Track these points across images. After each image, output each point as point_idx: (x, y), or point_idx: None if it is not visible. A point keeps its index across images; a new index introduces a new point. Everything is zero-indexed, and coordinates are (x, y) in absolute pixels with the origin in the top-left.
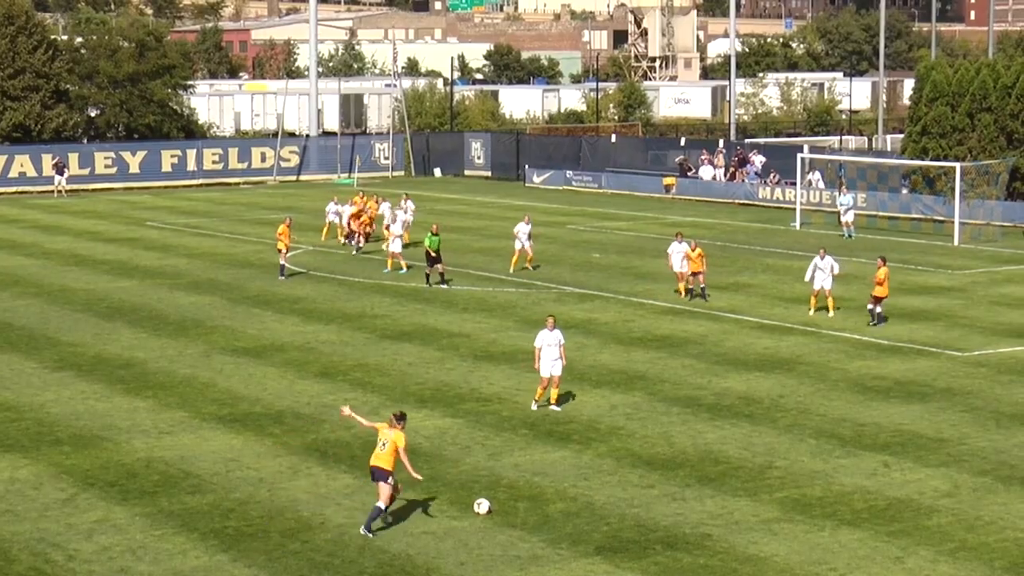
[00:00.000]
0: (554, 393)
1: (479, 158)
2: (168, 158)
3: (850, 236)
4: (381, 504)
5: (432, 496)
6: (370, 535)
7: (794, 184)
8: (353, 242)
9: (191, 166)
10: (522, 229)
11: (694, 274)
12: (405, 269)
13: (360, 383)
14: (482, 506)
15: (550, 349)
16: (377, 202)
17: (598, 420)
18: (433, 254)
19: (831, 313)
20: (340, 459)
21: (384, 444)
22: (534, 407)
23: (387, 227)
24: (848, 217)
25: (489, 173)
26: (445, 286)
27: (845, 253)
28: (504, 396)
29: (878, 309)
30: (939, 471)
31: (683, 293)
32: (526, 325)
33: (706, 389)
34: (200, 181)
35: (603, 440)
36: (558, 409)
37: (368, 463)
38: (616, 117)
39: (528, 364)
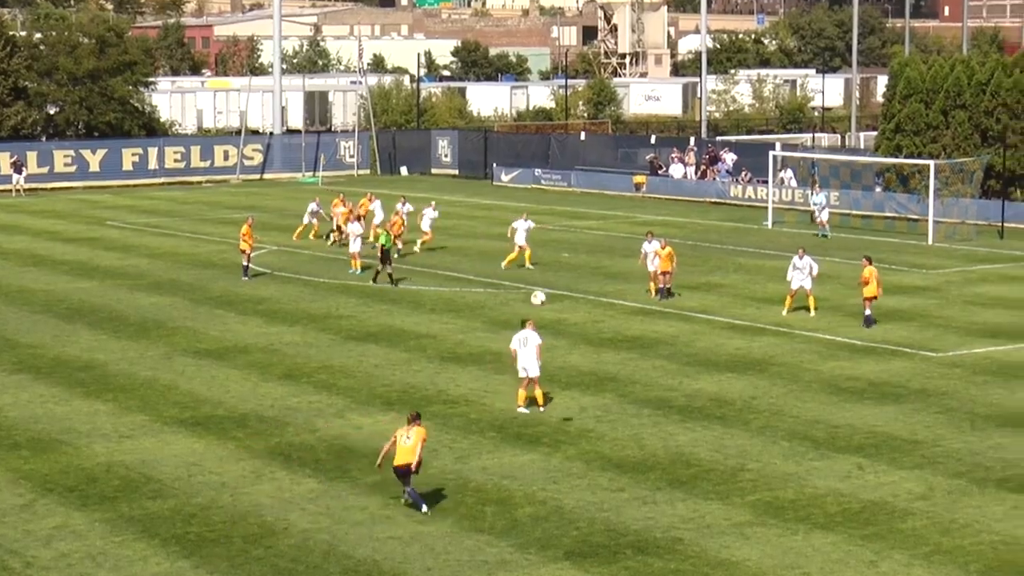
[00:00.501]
0: (538, 393)
1: (446, 156)
2: (129, 156)
3: (825, 235)
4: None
5: (398, 499)
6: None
7: (766, 182)
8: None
9: (152, 164)
10: (521, 226)
11: (663, 273)
12: (359, 270)
13: (325, 385)
14: (538, 297)
15: (526, 349)
16: (370, 199)
17: (567, 422)
18: (383, 254)
19: (812, 313)
20: (304, 463)
21: (409, 437)
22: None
23: (376, 226)
24: (824, 216)
25: (456, 171)
26: (386, 283)
27: (819, 252)
28: (472, 398)
29: (867, 311)
30: (913, 473)
31: (653, 293)
32: (494, 326)
33: (677, 391)
34: (162, 180)
35: (572, 443)
36: (542, 409)
37: (393, 465)
38: (585, 114)
39: (496, 365)
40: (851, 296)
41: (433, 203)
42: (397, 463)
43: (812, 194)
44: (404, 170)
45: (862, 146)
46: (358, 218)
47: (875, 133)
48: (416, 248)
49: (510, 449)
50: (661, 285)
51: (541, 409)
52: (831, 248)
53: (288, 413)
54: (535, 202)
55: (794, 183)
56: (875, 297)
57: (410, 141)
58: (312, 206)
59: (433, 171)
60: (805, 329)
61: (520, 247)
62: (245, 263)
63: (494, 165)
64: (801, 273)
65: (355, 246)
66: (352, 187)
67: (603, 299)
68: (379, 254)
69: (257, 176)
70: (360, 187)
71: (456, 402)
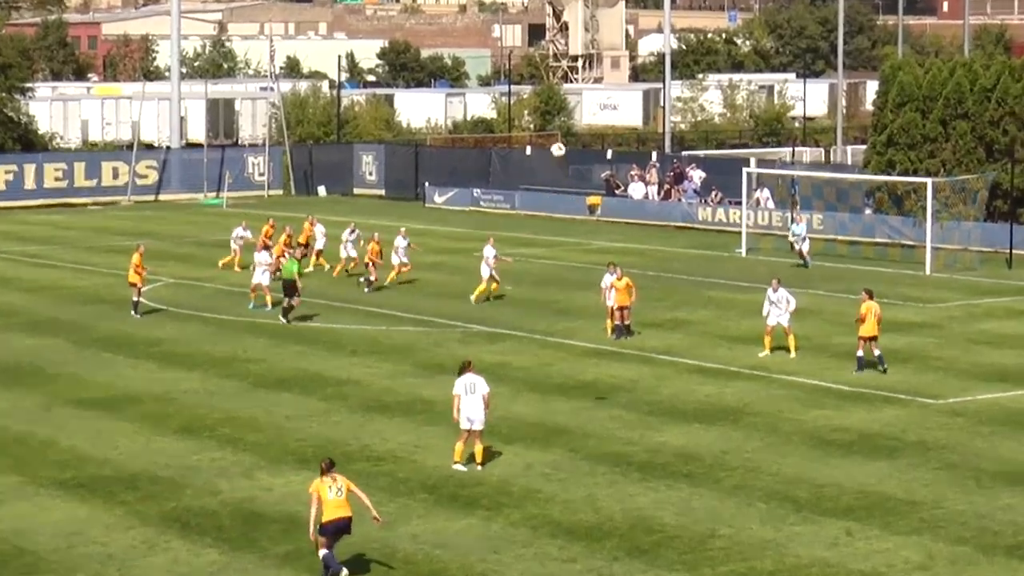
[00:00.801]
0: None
1: (371, 174)
2: (1, 174)
3: (805, 265)
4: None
5: (314, 571)
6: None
7: (739, 204)
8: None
9: (29, 184)
10: (488, 253)
11: (619, 308)
12: (270, 306)
13: (229, 440)
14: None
15: (471, 397)
16: (312, 223)
17: (511, 481)
18: (291, 284)
19: (793, 354)
20: (204, 531)
21: (340, 490)
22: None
23: (318, 252)
24: (804, 246)
25: (383, 192)
26: (284, 320)
27: (799, 284)
28: (400, 454)
29: (864, 352)
30: (911, 539)
31: (610, 332)
32: (426, 370)
33: (637, 444)
34: (40, 201)
35: (516, 505)
36: (480, 467)
37: (328, 520)
38: (532, 126)
39: (428, 416)
40: (836, 334)
41: (403, 229)
42: (330, 518)
43: (793, 225)
44: (322, 190)
45: (849, 162)
46: (266, 247)
47: (864, 147)
48: (386, 283)
49: (444, 513)
50: (618, 322)
51: (479, 467)
52: (814, 279)
53: (186, 473)
54: (474, 227)
55: (771, 204)
56: (874, 337)
57: (329, 156)
58: (238, 231)
59: (356, 191)
60: (784, 372)
61: (487, 278)
62: (135, 298)
63: (426, 184)
64: (777, 308)
65: (261, 278)
66: (263, 210)
67: (552, 339)
68: (283, 286)
69: (151, 197)
70: (272, 211)
71: (382, 459)
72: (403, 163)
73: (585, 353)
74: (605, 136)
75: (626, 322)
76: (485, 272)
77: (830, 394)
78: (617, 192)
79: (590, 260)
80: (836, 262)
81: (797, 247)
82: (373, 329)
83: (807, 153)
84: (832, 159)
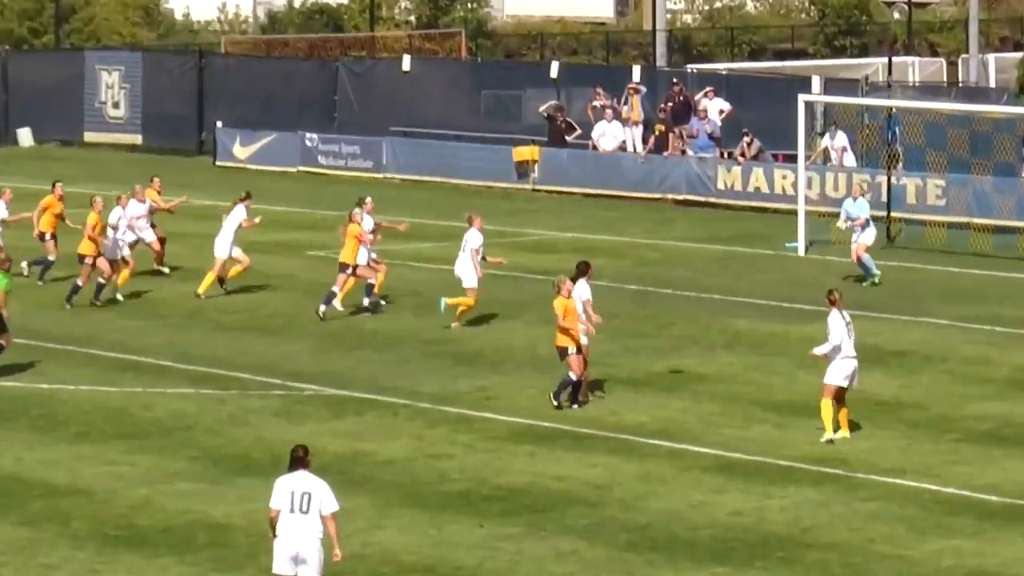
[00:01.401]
0: None
1: (117, 106)
2: None
3: (872, 278)
4: None
5: None
6: None
7: (793, 159)
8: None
9: None
10: (473, 240)
11: (562, 347)
12: None
13: None
14: None
15: (301, 519)
16: (147, 189)
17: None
18: None
19: (846, 433)
20: None
21: None
22: None
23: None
24: (866, 237)
25: (138, 138)
26: None
27: (896, 306)
28: None
29: None
30: None
31: (560, 398)
32: (215, 468)
33: None
34: None
35: None
36: None
37: None
38: (412, 19)
39: (221, 552)
40: (972, 398)
41: (368, 200)
42: None
43: (849, 201)
44: (26, 135)
45: (992, 83)
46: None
47: (1020, 56)
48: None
49: None
50: (572, 376)
51: None
52: (927, 298)
53: None
54: (305, 203)
55: (851, 160)
56: None
57: (41, 75)
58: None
59: (88, 136)
60: (875, 469)
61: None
62: None
63: (218, 125)
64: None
65: None
66: None
67: (451, 408)
68: None
69: None
70: None
71: None
72: (177, 87)
73: (513, 435)
74: (546, 37)
75: (577, 376)
76: (471, 274)
77: (963, 508)
78: (569, 138)
79: (522, 264)
80: (967, 266)
81: (859, 239)
82: (119, 392)
83: (915, 67)
84: (960, 78)
